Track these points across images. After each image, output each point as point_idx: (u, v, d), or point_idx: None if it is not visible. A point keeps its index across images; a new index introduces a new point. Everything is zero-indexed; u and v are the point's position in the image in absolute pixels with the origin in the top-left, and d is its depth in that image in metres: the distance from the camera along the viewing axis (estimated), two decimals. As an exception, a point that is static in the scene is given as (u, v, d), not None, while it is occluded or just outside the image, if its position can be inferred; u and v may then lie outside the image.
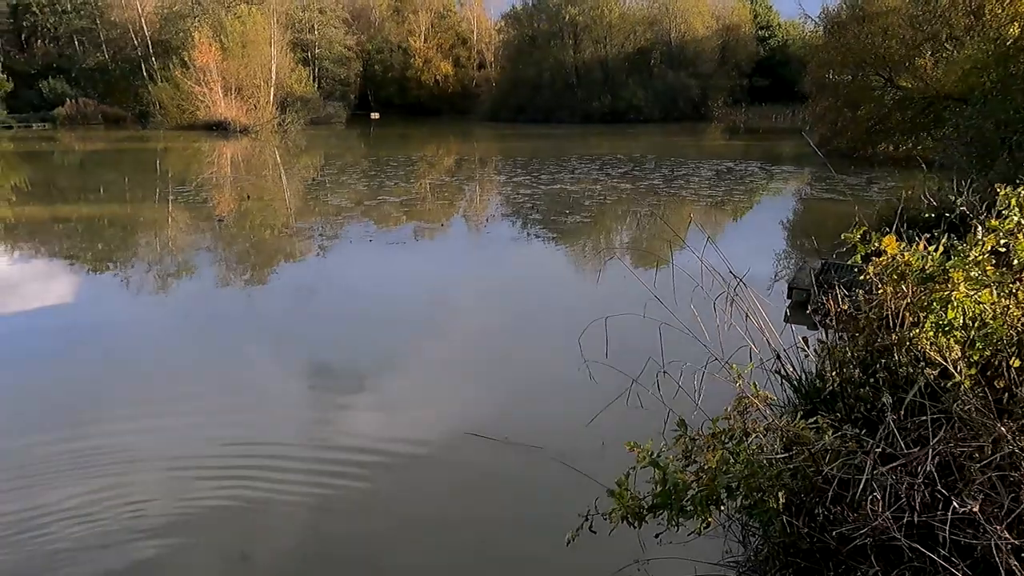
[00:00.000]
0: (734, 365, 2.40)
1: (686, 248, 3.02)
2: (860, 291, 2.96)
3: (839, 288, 3.06)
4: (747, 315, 2.90)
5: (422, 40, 58.79)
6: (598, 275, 4.10)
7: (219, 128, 34.58)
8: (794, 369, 2.99)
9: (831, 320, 2.94)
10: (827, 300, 3.00)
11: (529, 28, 51.83)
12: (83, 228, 11.14)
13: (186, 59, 36.25)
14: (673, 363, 2.94)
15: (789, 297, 6.10)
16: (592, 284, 7.31)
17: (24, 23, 49.50)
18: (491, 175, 17.67)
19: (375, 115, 54.27)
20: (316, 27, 53.73)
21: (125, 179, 18.37)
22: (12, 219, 12.32)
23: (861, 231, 2.60)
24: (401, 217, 11.10)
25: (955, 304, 2.45)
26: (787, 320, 5.43)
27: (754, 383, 2.29)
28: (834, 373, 2.83)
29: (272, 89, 39.07)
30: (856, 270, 2.95)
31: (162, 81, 39.53)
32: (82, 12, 48.84)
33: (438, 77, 58.83)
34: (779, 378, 2.91)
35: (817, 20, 22.19)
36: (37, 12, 49.03)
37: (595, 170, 16.63)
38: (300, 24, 52.06)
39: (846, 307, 2.98)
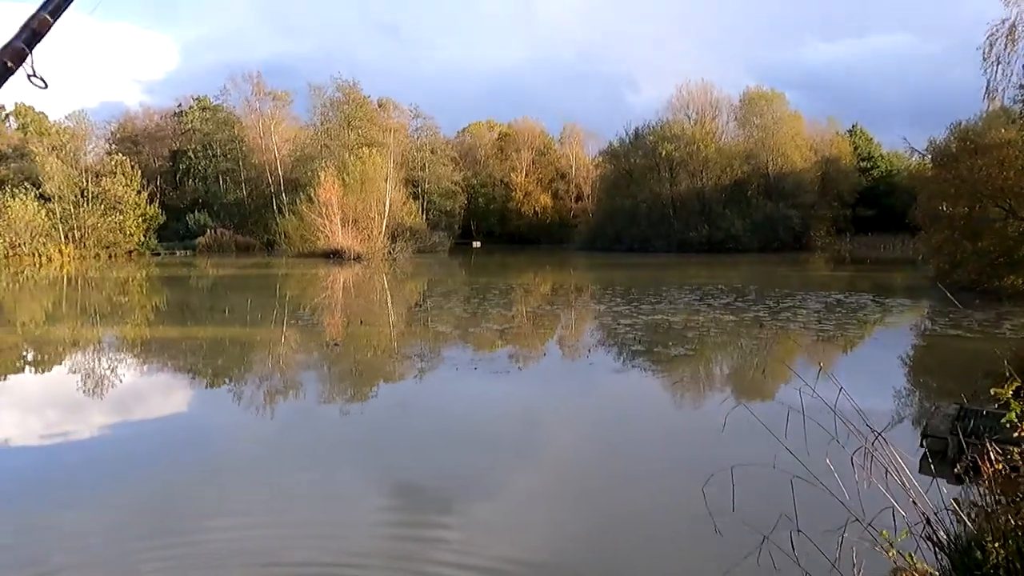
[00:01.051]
0: (883, 532, 2.13)
1: (802, 386, 2.80)
2: (1016, 449, 2.63)
3: (989, 443, 2.73)
4: (887, 471, 2.61)
5: (523, 175, 62.40)
6: (723, 423, 3.85)
7: (335, 256, 37.30)
8: (945, 534, 2.63)
9: (983, 479, 2.61)
10: (975, 456, 2.69)
11: (626, 163, 53.90)
12: (207, 345, 12.00)
13: (311, 195, 40.08)
14: (800, 519, 2.66)
15: (922, 445, 5.52)
16: (700, 421, 6.96)
17: (180, 165, 56.87)
18: (589, 303, 17.77)
19: (477, 244, 57.01)
20: (427, 165, 58.33)
21: (248, 302, 19.88)
22: (148, 336, 13.50)
23: (1014, 387, 2.33)
24: (499, 343, 11.23)
25: None
26: (921, 471, 4.87)
27: (910, 554, 2.00)
28: (997, 544, 2.46)
29: (385, 221, 42.12)
30: (1009, 425, 2.64)
31: (289, 214, 43.67)
32: (228, 156, 55.65)
33: (537, 208, 61.67)
34: (930, 544, 2.56)
35: (924, 152, 21.77)
36: (192, 156, 56.33)
37: (696, 300, 16.38)
38: (413, 163, 56.75)
39: (1000, 467, 2.65)
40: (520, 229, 60.10)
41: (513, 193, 61.33)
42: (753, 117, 50.77)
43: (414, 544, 4.09)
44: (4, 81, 1.13)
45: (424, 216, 51.86)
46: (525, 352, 10.76)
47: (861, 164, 55.91)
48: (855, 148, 56.38)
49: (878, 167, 57.62)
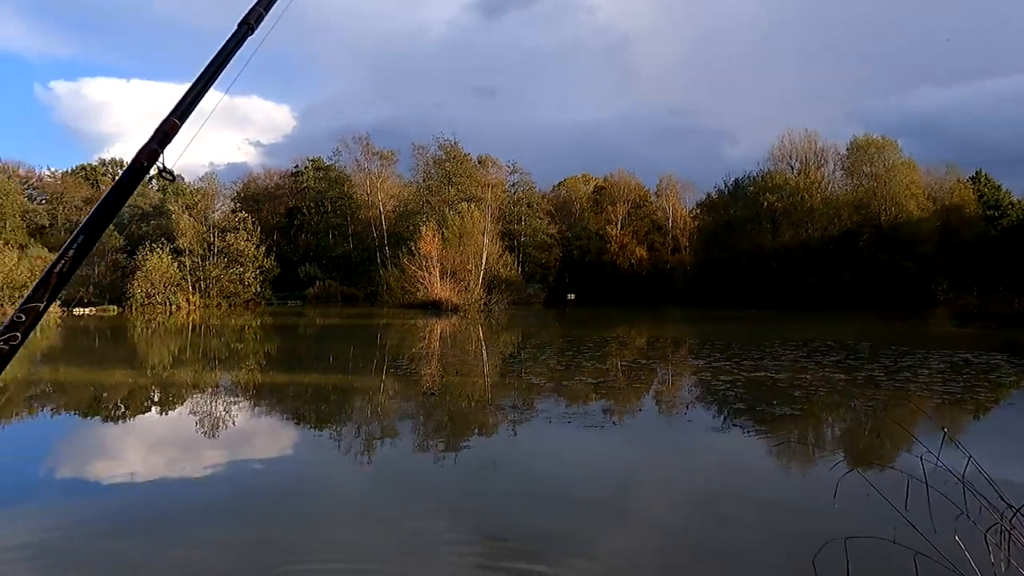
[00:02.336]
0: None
1: (924, 452, 2.56)
2: None
3: None
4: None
5: (619, 227, 62.29)
6: (835, 490, 3.57)
7: (433, 307, 38.43)
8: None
9: None
10: None
11: (724, 214, 52.73)
12: (312, 391, 12.56)
13: (413, 248, 41.76)
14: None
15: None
16: (808, 487, 6.49)
17: (295, 221, 61.01)
18: (687, 358, 17.23)
19: (571, 296, 57.02)
20: (523, 219, 59.50)
21: (351, 350, 20.73)
22: (260, 381, 14.32)
23: None
24: (594, 396, 11.05)
25: None
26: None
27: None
28: None
29: (481, 273, 43.11)
30: None
31: (391, 266, 45.61)
32: (338, 212, 59.18)
33: (633, 261, 61.12)
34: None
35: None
36: (305, 213, 60.34)
37: (802, 357, 15.51)
38: (510, 216, 58.09)
39: None
40: (615, 281, 59.65)
41: (608, 246, 61.22)
42: (863, 166, 48.52)
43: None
44: (141, 178, 1.30)
45: (520, 268, 52.70)
46: (620, 407, 10.52)
47: (988, 213, 51.81)
48: (980, 196, 52.40)
49: (1008, 215, 53.17)
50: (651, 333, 26.66)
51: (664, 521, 5.47)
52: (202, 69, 1.44)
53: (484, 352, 19.44)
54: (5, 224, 49.47)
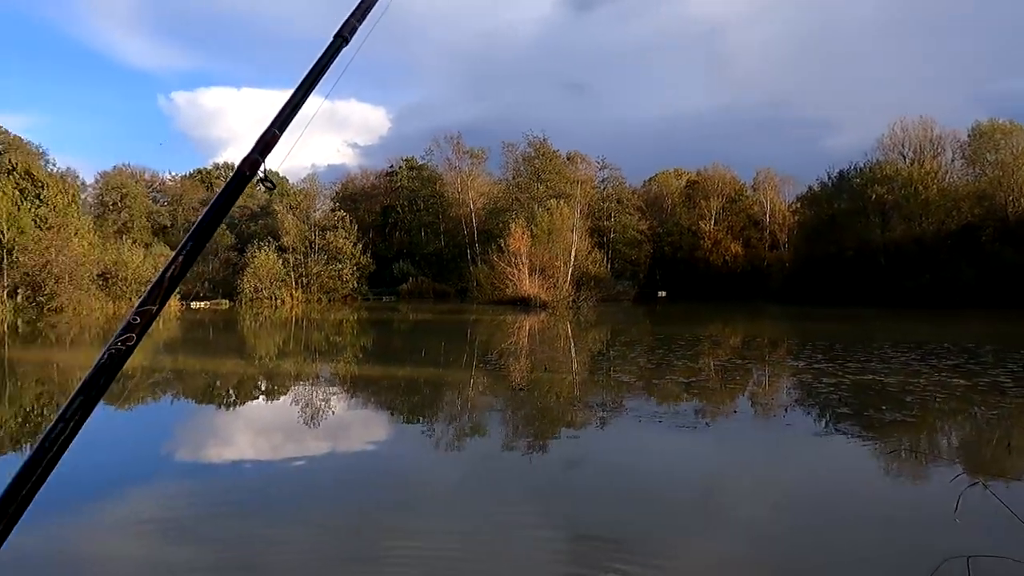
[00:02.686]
0: None
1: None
2: None
3: None
4: None
5: (712, 223, 60.32)
6: (955, 504, 3.25)
7: (522, 303, 38.69)
8: None
9: None
10: None
11: (828, 208, 49.95)
12: (404, 384, 12.95)
13: (503, 245, 42.17)
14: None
15: None
16: (923, 500, 6.04)
17: (389, 219, 63.05)
18: (785, 359, 16.46)
19: (662, 293, 55.82)
20: (613, 215, 58.80)
21: (442, 345, 21.20)
22: (355, 373, 14.91)
23: None
24: (685, 396, 10.76)
25: None
26: None
27: None
28: None
29: (570, 270, 42.97)
30: None
31: (481, 263, 46.30)
32: (430, 210, 60.68)
33: (727, 257, 59.02)
34: None
35: None
36: (399, 211, 62.24)
37: (915, 360, 14.44)
38: (599, 213, 57.56)
39: None
40: (708, 278, 57.82)
41: (701, 242, 59.41)
42: (986, 153, 44.59)
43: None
44: (244, 186, 1.37)
45: (609, 265, 52.08)
46: (713, 407, 10.18)
47: None
48: None
49: None
50: (746, 332, 25.66)
51: (761, 530, 5.23)
52: (299, 81, 1.51)
53: (572, 349, 19.36)
54: (133, 224, 54.07)
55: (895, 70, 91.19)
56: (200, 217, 1.32)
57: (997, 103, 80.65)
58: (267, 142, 1.39)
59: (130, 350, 1.14)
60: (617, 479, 6.53)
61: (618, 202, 59.40)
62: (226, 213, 1.39)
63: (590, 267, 46.19)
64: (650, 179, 68.35)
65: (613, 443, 8.04)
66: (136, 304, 1.16)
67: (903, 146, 47.39)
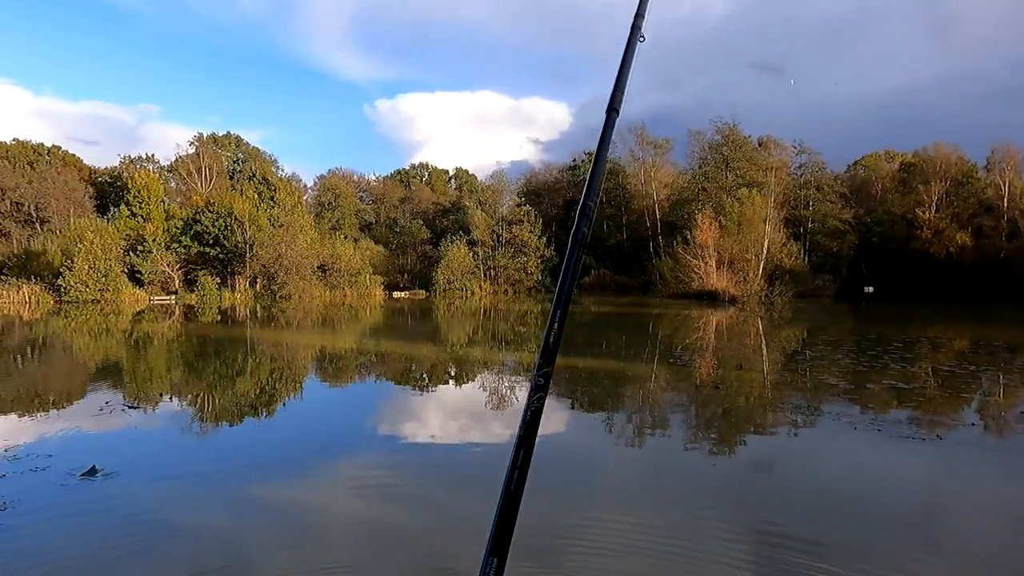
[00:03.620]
0: None
1: None
2: None
3: None
4: None
5: (932, 210, 53.08)
6: None
7: (708, 298, 37.11)
8: None
9: None
10: None
11: (1092, 189, 41.62)
12: (585, 376, 12.99)
13: (688, 237, 40.75)
14: None
15: None
16: None
17: (572, 213, 63.56)
18: (1029, 366, 14.02)
19: (869, 289, 50.35)
20: (811, 203, 54.18)
21: (623, 338, 20.99)
22: (539, 363, 15.26)
23: None
24: (896, 403, 9.58)
25: None
26: None
27: None
28: None
29: (762, 263, 40.35)
30: None
31: (665, 256, 45.12)
32: (612, 202, 60.40)
33: (951, 249, 51.57)
34: None
35: None
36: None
37: None
38: (795, 201, 53.33)
39: None
40: (927, 273, 50.95)
41: (918, 232, 52.49)
42: None
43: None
44: (581, 255, 1.62)
45: (806, 258, 48.11)
46: (936, 418, 8.95)
47: None
48: None
49: None
50: (976, 335, 22.24)
51: (993, 561, 4.49)
52: (594, 158, 1.78)
53: (764, 347, 18.14)
54: (344, 222, 60.27)
55: None
56: (556, 292, 1.57)
57: None
58: (587, 216, 1.66)
59: (543, 405, 1.48)
60: (813, 490, 5.99)
61: (817, 189, 54.47)
62: (575, 279, 1.60)
63: (784, 260, 42.98)
64: (855, 163, 61.88)
65: (811, 450, 7.40)
66: (536, 369, 1.50)
67: None
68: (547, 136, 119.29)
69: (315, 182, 67.02)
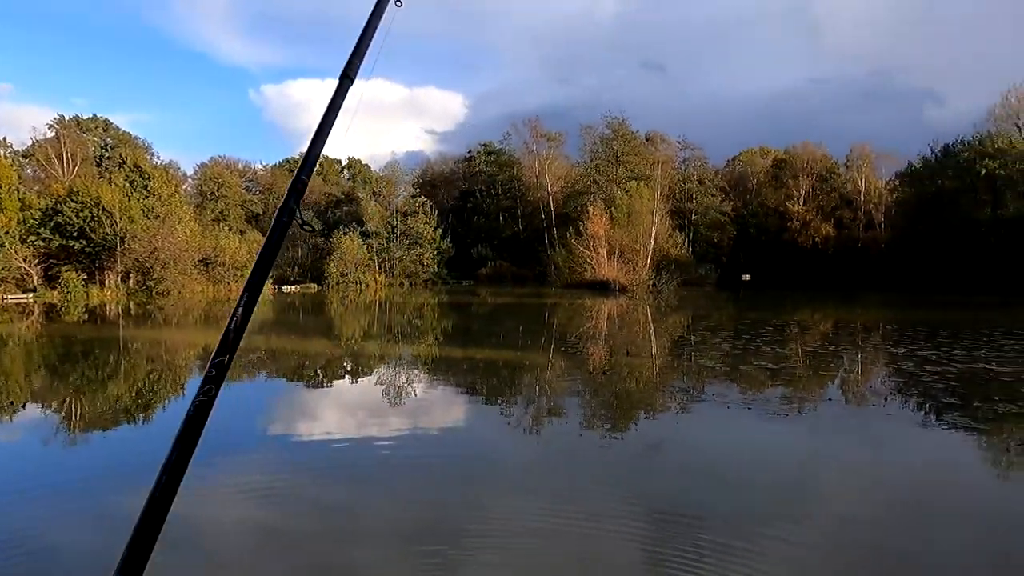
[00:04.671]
0: None
1: None
2: None
3: None
4: None
5: (801, 203, 57.51)
6: None
7: (601, 287, 38.33)
8: None
9: None
10: None
11: (931, 185, 46.72)
12: (484, 366, 13.09)
13: (581, 228, 41.84)
14: None
15: None
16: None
17: (468, 204, 63.78)
18: (882, 345, 15.55)
19: (746, 277, 53.82)
20: (694, 196, 57.13)
21: (520, 328, 21.30)
22: (436, 355, 15.21)
23: None
24: (770, 383, 10.35)
25: None
26: None
27: None
28: None
29: (650, 253, 42.14)
30: None
31: (559, 247, 46.15)
32: (508, 194, 60.94)
33: (817, 239, 56.19)
34: None
35: None
36: (477, 196, 62.83)
37: (1031, 348, 13.33)
38: (680, 194, 56.05)
39: None
40: (796, 262, 55.24)
41: (789, 223, 56.79)
42: (1117, 122, 40.27)
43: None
44: (285, 233, 1.44)
45: (690, 248, 50.72)
46: (804, 395, 9.75)
47: None
48: None
49: None
50: (838, 318, 24.40)
51: (855, 522, 4.96)
52: (314, 131, 1.52)
53: (653, 333, 19.01)
54: (229, 213, 57.09)
55: (1010, 32, 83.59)
56: (252, 271, 1.38)
57: None
58: (299, 191, 1.47)
59: (212, 400, 1.21)
60: (698, 465, 6.36)
61: (700, 183, 57.60)
62: (272, 261, 1.42)
63: (671, 250, 45.14)
64: (734, 158, 65.84)
65: (695, 429, 7.84)
66: (211, 358, 1.24)
67: (1018, 116, 43.51)
68: (443, 127, 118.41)
69: (196, 170, 63.04)
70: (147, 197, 42.27)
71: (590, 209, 42.68)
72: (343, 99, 1.57)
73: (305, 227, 1.52)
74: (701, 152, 59.95)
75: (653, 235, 43.15)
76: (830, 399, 9.54)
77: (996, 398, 8.83)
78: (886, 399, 9.14)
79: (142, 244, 38.41)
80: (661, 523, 4.84)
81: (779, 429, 7.59)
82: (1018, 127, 43.50)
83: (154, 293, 37.90)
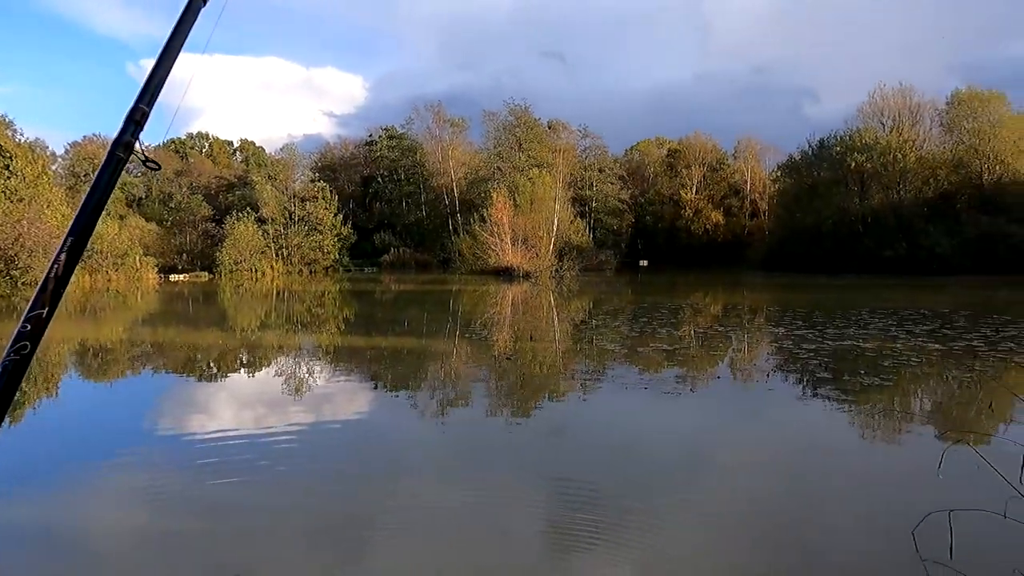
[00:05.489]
0: None
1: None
2: None
3: None
4: None
5: (694, 192, 60.51)
6: (940, 462, 3.35)
7: (505, 273, 38.65)
8: None
9: None
10: None
11: (808, 177, 50.27)
12: (388, 355, 12.92)
13: (484, 215, 41.94)
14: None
15: None
16: (903, 459, 6.18)
17: (370, 190, 62.37)
18: (766, 326, 16.67)
19: (644, 262, 56.04)
20: (595, 184, 58.64)
21: (425, 315, 21.16)
22: (339, 344, 14.85)
23: None
24: (666, 364, 10.86)
25: None
26: None
27: None
28: None
29: (553, 239, 42.91)
30: None
31: (463, 233, 46.09)
32: (411, 180, 60.09)
33: (708, 226, 59.38)
34: None
35: None
36: (380, 181, 61.55)
37: (892, 326, 14.71)
38: (581, 182, 57.34)
39: None
40: (690, 248, 58.19)
41: (683, 211, 59.65)
42: (964, 121, 44.89)
43: (566, 568, 4.03)
44: (121, 169, 1.26)
45: (591, 235, 52.08)
46: (696, 374, 10.30)
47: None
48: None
49: None
50: (727, 300, 25.91)
51: (742, 488, 5.33)
52: (160, 51, 1.38)
53: (555, 318, 19.42)
54: (106, 196, 52.76)
55: (878, 37, 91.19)
56: (77, 212, 1.23)
57: (978, 70, 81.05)
58: (137, 121, 1.30)
59: (27, 359, 1.08)
60: (601, 443, 6.60)
61: (600, 171, 59.20)
62: (105, 202, 1.28)
63: (572, 237, 46.16)
64: (632, 148, 68.11)
65: (597, 409, 8.12)
66: (25, 311, 1.10)
67: (883, 114, 47.58)
68: (342, 110, 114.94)
69: (67, 150, 57.90)
70: (9, 178, 38.35)
71: (494, 196, 42.84)
72: (195, 17, 1.44)
73: (149, 164, 1.36)
74: (601, 141, 61.60)
75: (555, 222, 43.95)
76: (719, 377, 10.14)
77: (862, 371, 9.70)
78: (768, 375, 9.84)
79: (4, 230, 34.87)
80: (565, 497, 5.00)
81: (674, 407, 7.99)
82: (883, 124, 47.57)
83: (19, 284, 34.58)
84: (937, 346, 11.76)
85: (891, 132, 46.12)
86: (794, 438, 6.88)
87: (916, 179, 44.19)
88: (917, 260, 39.41)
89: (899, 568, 3.27)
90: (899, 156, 44.27)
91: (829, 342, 12.34)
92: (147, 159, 1.32)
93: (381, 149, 62.36)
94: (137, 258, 40.32)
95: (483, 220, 41.79)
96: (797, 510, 4.85)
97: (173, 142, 69.31)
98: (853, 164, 45.07)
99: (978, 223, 40.55)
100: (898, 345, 11.90)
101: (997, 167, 43.05)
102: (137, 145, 1.26)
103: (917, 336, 12.97)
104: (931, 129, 47.39)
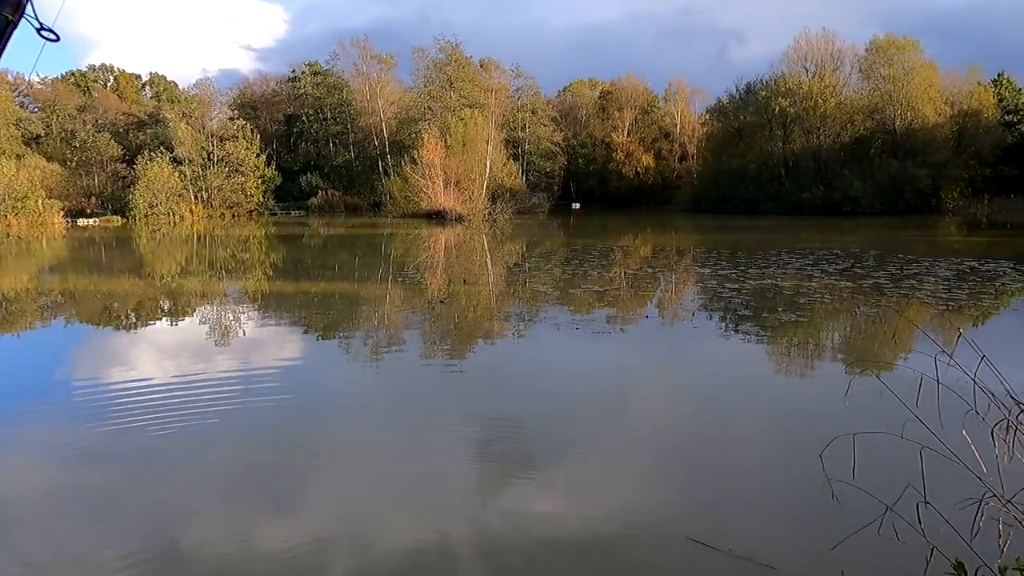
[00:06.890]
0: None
1: (938, 353, 2.55)
2: None
3: None
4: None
5: (625, 135, 60.80)
6: (846, 389, 3.64)
7: (438, 217, 38.16)
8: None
9: None
10: None
11: (735, 121, 51.27)
12: (319, 300, 12.68)
13: (415, 156, 40.95)
14: (933, 494, 2.48)
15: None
16: (815, 388, 6.62)
17: (294, 129, 59.67)
18: (692, 267, 17.23)
19: (576, 205, 56.47)
20: (527, 126, 58.02)
21: (356, 260, 20.76)
22: (267, 290, 14.44)
23: None
24: (599, 304, 11.13)
25: None
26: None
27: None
28: None
29: (485, 182, 42.50)
30: None
31: (394, 175, 44.99)
32: (338, 120, 57.75)
33: (639, 169, 60.05)
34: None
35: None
36: (304, 120, 58.90)
37: (808, 265, 15.49)
38: (514, 123, 56.59)
39: None
40: (621, 190, 58.89)
41: (614, 154, 59.99)
42: (880, 68, 46.45)
43: (502, 499, 4.17)
44: (10, 33, 1.11)
45: (524, 177, 51.87)
46: (626, 314, 10.61)
47: (1007, 118, 50.04)
48: (1000, 100, 50.46)
49: (1028, 120, 51.50)
50: (656, 242, 26.57)
51: (671, 421, 5.61)
52: None
53: (489, 261, 19.45)
54: (1, 134, 48.49)
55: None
56: None
57: (898, 18, 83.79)
58: None
59: None
60: (534, 382, 6.76)
61: (532, 112, 58.54)
62: None
63: (505, 179, 45.84)
64: (564, 89, 67.48)
65: (530, 350, 8.27)
66: None
67: (806, 59, 48.65)
68: (261, 43, 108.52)
69: (-52, 81, 52.33)
70: None
71: (424, 136, 41.79)
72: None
73: (44, 32, 1.18)
74: (533, 81, 60.68)
75: (488, 164, 43.45)
76: (648, 317, 10.49)
77: (780, 309, 10.22)
78: (694, 314, 10.24)
79: None
80: (500, 433, 5.13)
81: (604, 346, 8.23)
82: (806, 69, 48.74)
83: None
84: (847, 284, 12.50)
85: (813, 77, 47.36)
86: (715, 372, 7.24)
87: (835, 124, 45.81)
88: (832, 202, 41.30)
89: (808, 486, 3.57)
90: (820, 101, 45.64)
91: (751, 281, 12.90)
92: (43, 26, 1.15)
93: (305, 86, 59.37)
94: (39, 201, 37.45)
95: (414, 162, 40.83)
96: (716, 437, 5.16)
97: (73, 74, 63.84)
98: (777, 109, 46.21)
99: (889, 167, 42.69)
100: (813, 283, 12.57)
101: (908, 113, 45.09)
102: (29, 8, 1.06)
103: (830, 275, 13.72)
104: (850, 75, 48.94)
